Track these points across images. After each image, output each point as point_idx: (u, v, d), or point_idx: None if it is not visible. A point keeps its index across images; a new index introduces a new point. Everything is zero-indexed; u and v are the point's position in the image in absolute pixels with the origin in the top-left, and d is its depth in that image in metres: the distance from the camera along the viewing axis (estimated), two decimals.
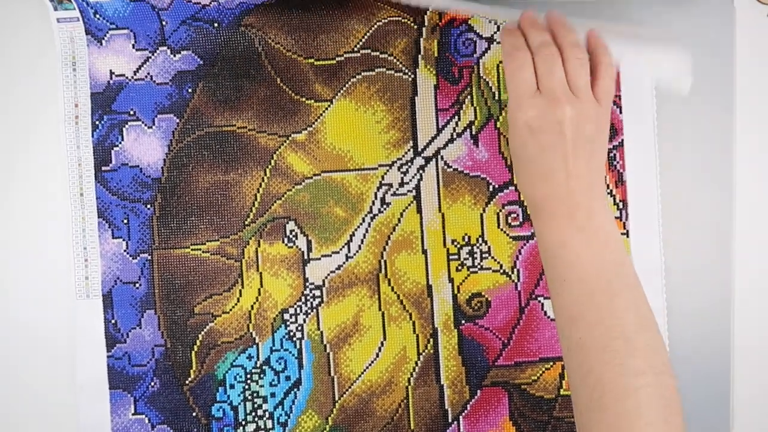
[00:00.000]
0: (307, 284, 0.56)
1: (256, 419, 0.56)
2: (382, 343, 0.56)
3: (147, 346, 0.55)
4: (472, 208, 0.56)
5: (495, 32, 0.56)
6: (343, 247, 0.56)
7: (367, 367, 0.56)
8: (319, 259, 0.56)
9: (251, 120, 0.55)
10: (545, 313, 0.57)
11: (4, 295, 0.56)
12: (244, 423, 0.56)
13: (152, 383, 0.55)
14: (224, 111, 0.55)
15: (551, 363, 0.57)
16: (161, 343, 0.55)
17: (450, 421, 0.57)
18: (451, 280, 0.56)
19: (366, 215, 0.56)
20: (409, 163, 0.56)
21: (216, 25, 0.55)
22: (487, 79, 0.56)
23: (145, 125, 0.55)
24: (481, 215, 0.56)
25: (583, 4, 0.55)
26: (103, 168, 0.55)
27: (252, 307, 0.56)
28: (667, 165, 0.57)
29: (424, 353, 0.57)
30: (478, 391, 0.57)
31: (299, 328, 0.56)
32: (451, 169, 0.56)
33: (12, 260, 0.56)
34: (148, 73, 0.55)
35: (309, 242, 0.56)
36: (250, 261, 0.56)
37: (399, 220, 0.56)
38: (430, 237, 0.56)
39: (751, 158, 0.57)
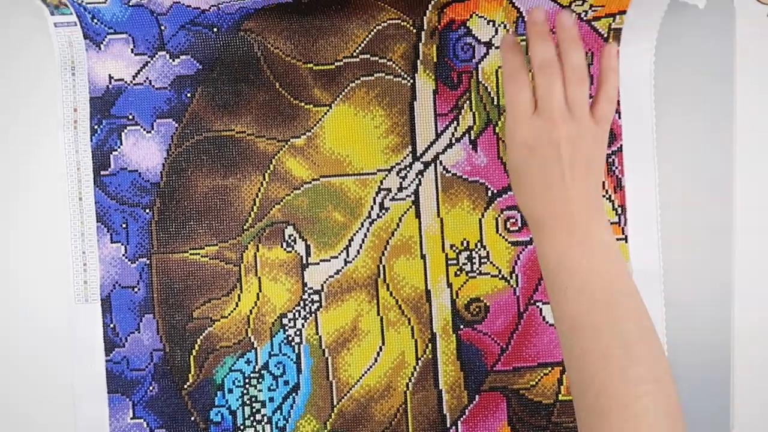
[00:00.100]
0: (306, 289, 0.56)
1: (254, 424, 0.56)
2: (380, 348, 0.56)
3: (145, 351, 0.55)
4: (470, 213, 0.56)
5: (493, 36, 0.55)
6: (342, 251, 0.56)
7: (366, 372, 0.56)
8: (318, 263, 0.56)
9: (250, 125, 0.55)
10: (544, 318, 0.57)
11: (3, 298, 0.56)
12: (242, 427, 0.56)
13: (151, 387, 0.55)
14: (223, 116, 0.55)
15: (549, 368, 0.57)
16: (160, 348, 0.55)
17: (448, 426, 0.57)
18: (449, 285, 0.56)
19: (365, 220, 0.56)
20: (408, 168, 0.56)
21: (215, 29, 0.55)
22: (486, 84, 0.56)
23: (144, 130, 0.55)
24: (480, 220, 0.56)
25: None
26: (102, 172, 0.55)
27: (250, 311, 0.56)
28: (666, 170, 0.56)
29: (422, 358, 0.57)
30: (477, 396, 0.57)
31: (298, 332, 0.56)
32: (450, 174, 0.56)
33: (11, 264, 0.56)
34: (147, 78, 0.55)
35: (308, 247, 0.56)
36: (249, 266, 0.56)
37: (398, 225, 0.56)
38: (429, 242, 0.56)
39: (752, 159, 0.57)
